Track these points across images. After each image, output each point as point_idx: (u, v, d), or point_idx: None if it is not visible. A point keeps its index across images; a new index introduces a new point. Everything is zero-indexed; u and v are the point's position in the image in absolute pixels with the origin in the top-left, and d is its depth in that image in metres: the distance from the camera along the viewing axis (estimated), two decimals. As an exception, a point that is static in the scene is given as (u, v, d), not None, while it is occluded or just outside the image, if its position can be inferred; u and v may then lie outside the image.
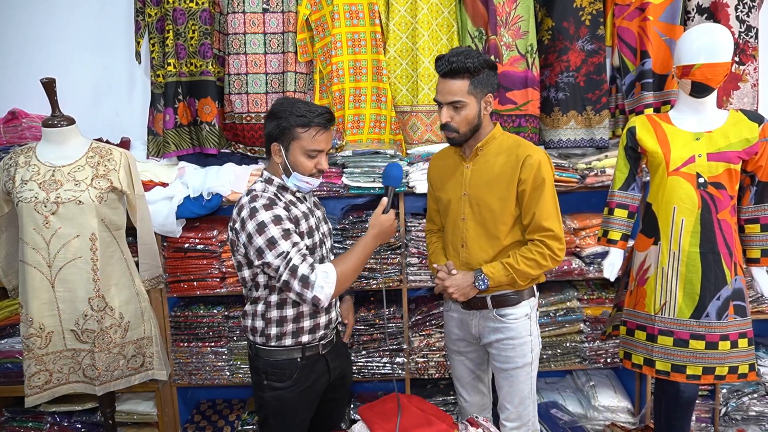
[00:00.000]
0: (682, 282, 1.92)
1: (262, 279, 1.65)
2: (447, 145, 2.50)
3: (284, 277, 1.55)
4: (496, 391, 1.95)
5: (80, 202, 1.91)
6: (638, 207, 2.11)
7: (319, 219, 1.79)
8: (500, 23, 2.48)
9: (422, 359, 2.56)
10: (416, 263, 2.51)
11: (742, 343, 1.93)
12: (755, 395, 2.66)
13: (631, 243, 2.16)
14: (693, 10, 2.46)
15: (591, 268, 2.48)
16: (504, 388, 1.89)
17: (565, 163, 2.49)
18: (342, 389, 1.86)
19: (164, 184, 2.48)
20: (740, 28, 2.48)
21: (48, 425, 2.54)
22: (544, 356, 2.54)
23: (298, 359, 1.70)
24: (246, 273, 1.66)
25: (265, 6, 2.49)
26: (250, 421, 2.66)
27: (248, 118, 2.56)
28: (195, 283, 2.50)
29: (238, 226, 1.61)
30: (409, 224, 2.51)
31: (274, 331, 1.68)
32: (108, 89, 2.74)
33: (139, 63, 2.65)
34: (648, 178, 2.12)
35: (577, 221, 2.53)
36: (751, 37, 2.50)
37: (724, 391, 2.65)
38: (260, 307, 1.68)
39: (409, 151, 2.56)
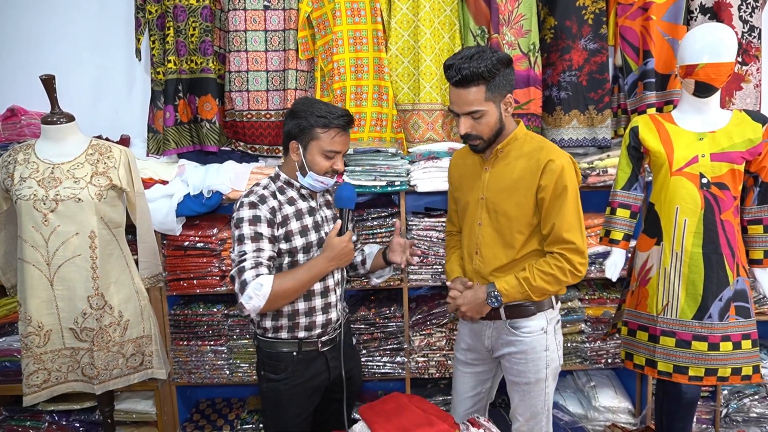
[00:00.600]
0: (684, 283, 1.91)
1: None
2: (449, 144, 2.51)
3: (233, 273, 1.61)
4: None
5: (79, 199, 1.90)
6: (640, 207, 2.10)
7: (326, 218, 1.78)
8: (502, 21, 2.46)
9: (423, 359, 2.55)
10: (417, 262, 2.50)
11: (746, 344, 1.92)
12: (756, 397, 2.65)
13: (633, 243, 2.15)
14: (696, 9, 2.45)
15: (593, 268, 2.47)
16: (515, 400, 1.81)
17: (567, 162, 2.48)
18: (348, 390, 1.84)
19: (164, 182, 2.46)
20: (743, 28, 2.47)
21: (46, 424, 2.52)
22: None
23: (294, 353, 1.73)
24: None
25: (266, 3, 2.48)
26: (250, 420, 2.65)
27: (249, 116, 2.54)
28: (195, 281, 2.49)
29: None
30: (410, 223, 2.50)
31: (269, 323, 1.73)
32: (108, 87, 2.73)
33: (140, 60, 2.63)
34: (650, 178, 2.12)
35: (579, 221, 2.52)
36: (754, 37, 2.48)
37: (725, 392, 2.64)
38: None
39: (410, 150, 2.55)
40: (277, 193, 1.72)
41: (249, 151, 2.60)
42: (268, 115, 2.55)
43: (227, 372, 2.57)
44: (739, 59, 2.49)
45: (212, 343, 2.55)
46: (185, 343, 2.54)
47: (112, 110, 2.73)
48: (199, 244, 2.46)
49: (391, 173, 2.40)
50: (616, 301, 2.50)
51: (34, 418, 2.54)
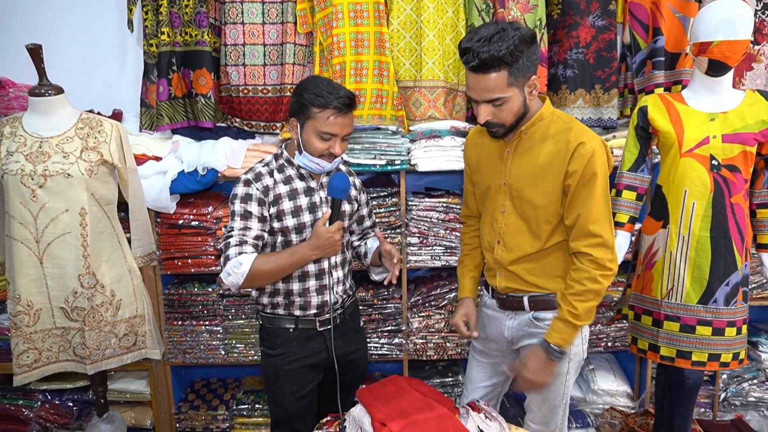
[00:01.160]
0: (690, 267, 1.87)
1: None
2: (451, 122, 2.45)
3: (220, 246, 1.61)
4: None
5: (69, 175, 1.83)
6: (647, 189, 2.04)
7: (325, 200, 1.73)
8: (508, -4, 2.38)
9: (421, 341, 2.52)
10: (416, 243, 2.46)
11: (744, 329, 1.90)
12: (755, 381, 2.64)
13: (638, 226, 2.10)
14: (709, -15, 2.37)
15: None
16: (533, 392, 1.72)
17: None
18: (349, 373, 1.83)
19: (157, 158, 2.40)
20: (757, 6, 2.39)
21: (39, 403, 2.49)
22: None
23: (291, 329, 1.72)
24: None
25: (263, -27, 2.38)
26: (245, 400, 2.63)
27: (245, 91, 2.47)
28: (189, 260, 2.44)
29: None
30: (410, 203, 2.44)
31: (266, 300, 1.73)
32: (99, 59, 2.63)
33: (132, 32, 2.53)
34: (657, 160, 2.06)
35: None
36: (768, 15, 2.41)
37: (724, 376, 2.63)
38: None
39: (411, 128, 2.48)
40: (275, 171, 1.69)
41: (245, 128, 2.53)
42: (265, 91, 2.47)
43: (222, 352, 2.54)
44: (751, 38, 2.41)
45: (207, 323, 2.51)
46: (180, 323, 2.51)
47: (103, 84, 2.64)
48: (193, 223, 2.40)
49: (392, 152, 2.34)
50: (619, 284, 2.47)
51: (27, 397, 2.50)
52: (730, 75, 1.87)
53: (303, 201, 1.69)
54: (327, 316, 1.75)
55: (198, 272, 2.45)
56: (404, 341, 2.52)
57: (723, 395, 2.63)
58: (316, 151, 1.62)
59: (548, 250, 1.61)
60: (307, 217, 1.68)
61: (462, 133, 2.39)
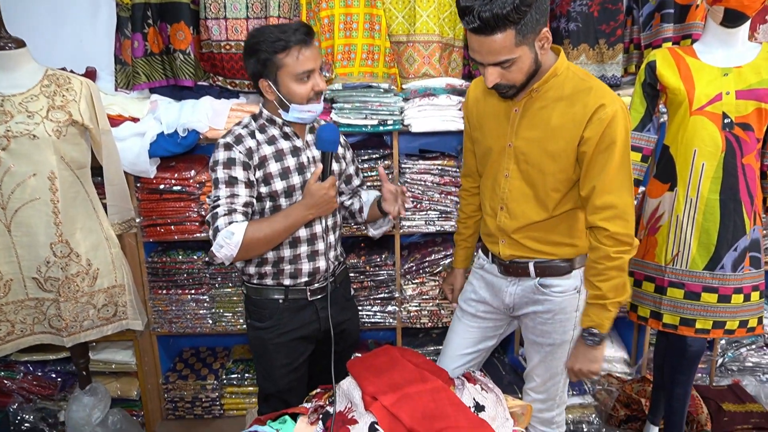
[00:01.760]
0: (697, 231, 1.78)
1: None
2: (446, 80, 2.31)
3: (207, 218, 1.49)
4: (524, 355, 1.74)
5: (35, 136, 1.70)
6: (653, 150, 1.94)
7: (313, 159, 1.62)
8: (509, -59, 2.21)
9: (415, 308, 2.45)
10: (410, 208, 2.36)
11: (755, 296, 1.83)
12: (753, 346, 2.61)
13: (642, 189, 2.01)
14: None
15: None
16: (534, 360, 1.63)
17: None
18: (341, 343, 1.74)
19: (135, 119, 2.26)
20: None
21: (21, 375, 2.42)
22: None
23: (280, 300, 1.63)
24: None
25: None
26: (235, 369, 2.57)
27: (227, 47, 2.30)
28: (172, 227, 2.33)
29: None
30: (403, 165, 2.33)
31: (253, 269, 1.63)
32: (69, 13, 2.44)
33: (103, -18, 2.35)
34: (664, 119, 1.95)
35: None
36: (785, -37, 2.25)
37: (723, 342, 2.59)
38: None
39: (404, 86, 2.34)
40: (257, 132, 1.56)
41: (228, 87, 2.38)
42: (248, 46, 2.32)
43: (210, 321, 2.46)
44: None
45: (193, 291, 2.42)
46: (164, 291, 2.42)
47: (75, 39, 2.46)
48: (175, 188, 2.28)
49: (384, 111, 2.21)
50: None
51: (8, 368, 2.43)
52: (746, 26, 1.74)
53: (291, 162, 1.57)
54: (318, 285, 1.66)
55: (182, 239, 2.35)
56: (398, 309, 2.45)
57: (720, 360, 2.60)
58: (303, 98, 1.50)
59: (556, 218, 1.49)
60: (296, 179, 1.57)
61: (458, 92, 2.26)
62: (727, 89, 1.71)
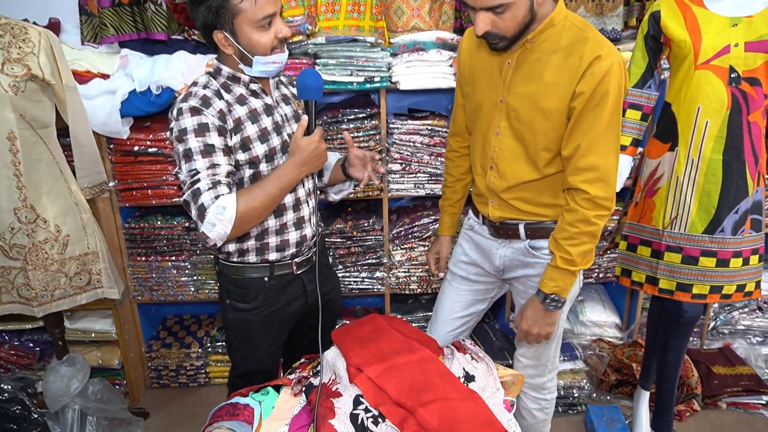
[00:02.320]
0: (698, 194, 1.71)
1: None
2: (437, 33, 2.17)
3: (186, 197, 1.30)
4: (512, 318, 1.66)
5: (-11, 92, 1.56)
6: (653, 108, 1.84)
7: (286, 117, 1.48)
8: None
9: (404, 274, 2.39)
10: (398, 170, 2.26)
11: (754, 259, 1.77)
12: (746, 309, 2.58)
13: (641, 149, 1.91)
14: None
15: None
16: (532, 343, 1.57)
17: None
18: (325, 314, 1.58)
19: (105, 76, 2.12)
20: None
21: (-3, 344, 2.34)
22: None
23: (266, 278, 1.49)
24: None
25: None
26: (220, 337, 2.51)
27: (202, -2, 2.14)
28: (149, 191, 2.22)
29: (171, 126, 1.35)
30: (391, 125, 2.22)
31: (233, 247, 1.46)
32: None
33: None
34: (665, 76, 1.85)
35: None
36: None
37: (716, 305, 2.56)
38: None
39: (392, 40, 2.20)
40: (222, 91, 1.37)
41: (204, 41, 2.22)
42: (224, -4, 2.15)
43: (192, 289, 2.38)
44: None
45: (173, 258, 2.33)
46: (143, 258, 2.33)
47: (36, -12, 2.29)
48: (151, 149, 2.17)
49: (370, 67, 2.09)
50: (615, 213, 2.31)
51: (-16, 338, 2.35)
52: (758, -29, 1.62)
53: (267, 122, 1.41)
54: (303, 257, 1.54)
55: (160, 203, 2.24)
56: (386, 275, 2.39)
57: (712, 324, 2.58)
58: (267, 48, 1.33)
59: (547, 179, 1.43)
60: (276, 141, 1.42)
61: (449, 46, 2.13)
62: (736, 41, 1.60)
